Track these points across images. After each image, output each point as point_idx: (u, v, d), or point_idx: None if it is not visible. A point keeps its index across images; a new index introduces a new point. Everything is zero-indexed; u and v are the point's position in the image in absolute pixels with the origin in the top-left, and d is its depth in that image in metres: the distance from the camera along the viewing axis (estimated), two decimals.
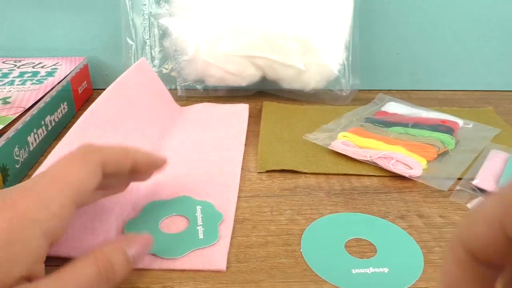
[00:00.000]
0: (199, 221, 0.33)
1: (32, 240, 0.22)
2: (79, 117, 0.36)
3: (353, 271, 0.30)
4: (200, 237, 0.32)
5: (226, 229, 0.33)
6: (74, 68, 0.56)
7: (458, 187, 0.39)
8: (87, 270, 0.24)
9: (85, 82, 0.59)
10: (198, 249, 0.31)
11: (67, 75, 0.53)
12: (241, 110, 0.53)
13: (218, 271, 0.30)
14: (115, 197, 0.34)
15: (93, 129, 0.37)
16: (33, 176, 0.28)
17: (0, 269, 0.21)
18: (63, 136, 0.35)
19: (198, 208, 0.35)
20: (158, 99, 0.50)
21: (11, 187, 0.25)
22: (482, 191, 0.38)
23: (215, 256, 0.30)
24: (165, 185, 0.38)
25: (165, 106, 0.51)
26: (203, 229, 0.33)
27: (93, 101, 0.38)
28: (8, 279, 0.21)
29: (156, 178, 0.39)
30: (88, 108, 0.38)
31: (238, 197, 0.38)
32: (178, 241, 0.31)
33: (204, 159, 0.42)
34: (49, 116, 0.47)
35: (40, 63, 0.57)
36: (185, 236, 0.32)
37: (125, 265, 0.25)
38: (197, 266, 0.30)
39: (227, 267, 0.30)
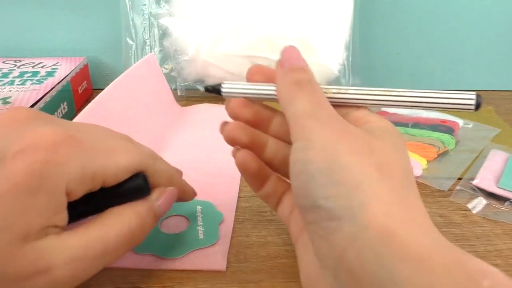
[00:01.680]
0: (199, 221, 0.33)
1: (57, 189, 0.21)
2: (77, 115, 0.36)
3: None
4: (200, 237, 0.32)
5: (226, 229, 0.33)
6: (74, 68, 0.56)
7: (458, 187, 0.39)
8: (117, 226, 0.23)
9: (85, 82, 0.59)
10: (198, 249, 0.31)
11: (67, 75, 0.53)
12: None
13: (218, 271, 0.30)
14: None
15: (98, 120, 0.37)
16: None
17: (22, 219, 0.20)
18: None
19: (198, 208, 0.35)
20: (161, 97, 0.50)
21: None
22: (482, 191, 0.38)
23: (215, 256, 0.30)
24: None
25: (166, 105, 0.51)
26: (203, 229, 0.33)
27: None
28: (30, 230, 0.20)
29: None
30: (95, 98, 0.38)
31: (238, 197, 0.38)
32: (178, 241, 0.31)
33: (205, 159, 0.42)
34: None
35: (40, 63, 0.57)
36: (185, 236, 0.32)
37: (153, 221, 0.25)
38: (197, 266, 0.30)
39: (227, 267, 0.30)
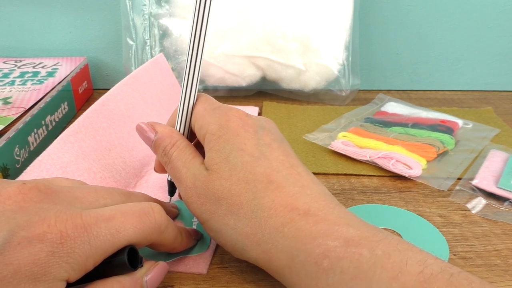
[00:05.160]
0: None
1: (57, 278, 0.21)
2: (80, 116, 0.36)
3: None
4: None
5: None
6: (75, 68, 0.56)
7: (457, 187, 0.39)
8: None
9: (86, 82, 0.59)
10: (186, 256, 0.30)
11: (67, 75, 0.53)
12: (251, 112, 0.53)
13: (218, 271, 0.30)
14: None
15: (101, 120, 0.37)
16: None
17: None
18: None
19: None
20: (170, 96, 0.50)
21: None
22: (481, 191, 0.38)
23: (197, 261, 0.30)
24: (165, 185, 0.38)
25: (176, 104, 0.51)
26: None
27: (93, 101, 0.39)
28: None
29: (156, 178, 0.39)
30: (100, 99, 0.38)
31: None
32: None
33: None
34: (49, 116, 0.47)
35: (41, 63, 0.57)
36: None
37: None
38: (177, 268, 0.29)
39: (227, 267, 0.30)
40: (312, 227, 0.24)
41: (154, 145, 0.31)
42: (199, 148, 0.30)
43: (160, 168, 0.33)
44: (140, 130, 0.31)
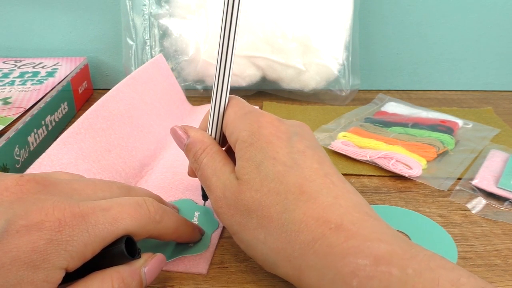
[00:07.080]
0: None
1: (56, 266, 0.21)
2: (79, 117, 0.36)
3: None
4: (189, 245, 0.31)
5: (217, 237, 0.32)
6: (75, 68, 0.56)
7: (457, 187, 0.39)
8: None
9: (85, 82, 0.59)
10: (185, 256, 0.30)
11: (67, 75, 0.53)
12: None
13: (219, 271, 0.30)
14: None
15: (101, 121, 0.37)
16: None
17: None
18: None
19: (196, 214, 0.34)
20: (170, 97, 0.50)
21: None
22: (481, 191, 0.38)
23: (197, 261, 0.30)
24: (165, 185, 0.38)
25: (176, 104, 0.51)
26: None
27: (93, 101, 0.39)
28: None
29: (156, 178, 0.39)
30: (99, 100, 0.38)
31: None
32: (166, 246, 0.31)
33: None
34: (49, 116, 0.47)
35: (41, 63, 0.57)
36: (174, 244, 0.31)
37: (139, 286, 0.25)
38: (178, 268, 0.29)
39: (227, 267, 0.30)
40: (343, 243, 0.23)
41: (185, 150, 0.30)
42: (231, 153, 0.29)
43: (193, 172, 0.32)
44: (174, 134, 0.31)
